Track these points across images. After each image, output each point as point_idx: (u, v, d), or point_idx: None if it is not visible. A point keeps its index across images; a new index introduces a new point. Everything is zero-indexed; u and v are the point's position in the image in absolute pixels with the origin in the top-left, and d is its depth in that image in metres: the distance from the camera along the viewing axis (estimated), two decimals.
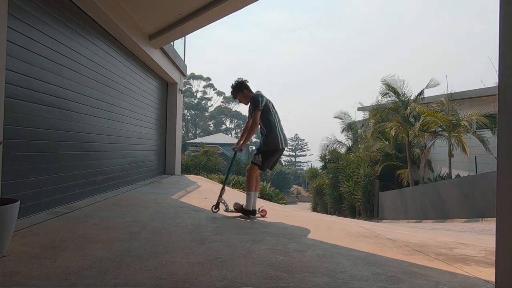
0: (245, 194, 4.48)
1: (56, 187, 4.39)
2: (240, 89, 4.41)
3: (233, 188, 10.56)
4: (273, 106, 4.40)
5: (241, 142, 4.50)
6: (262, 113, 4.22)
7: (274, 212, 5.60)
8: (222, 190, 4.57)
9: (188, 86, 56.75)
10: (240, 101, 4.50)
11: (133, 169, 7.31)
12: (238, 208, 4.49)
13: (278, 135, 4.26)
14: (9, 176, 3.48)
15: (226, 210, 4.54)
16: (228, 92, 60.15)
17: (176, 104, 10.03)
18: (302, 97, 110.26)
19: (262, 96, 4.28)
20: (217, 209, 4.57)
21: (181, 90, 10.45)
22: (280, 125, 4.36)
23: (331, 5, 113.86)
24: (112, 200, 5.35)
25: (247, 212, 4.39)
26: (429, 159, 14.45)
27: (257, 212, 4.51)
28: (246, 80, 4.50)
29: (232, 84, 4.49)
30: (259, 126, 4.30)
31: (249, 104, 4.36)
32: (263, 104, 4.21)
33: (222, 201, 4.53)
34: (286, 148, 4.41)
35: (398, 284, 2.24)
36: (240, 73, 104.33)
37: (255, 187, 4.36)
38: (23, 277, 2.20)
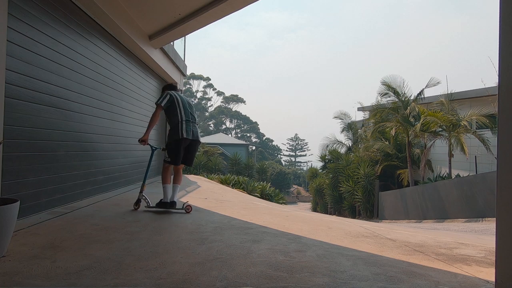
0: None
1: (56, 187, 4.39)
2: (164, 89, 4.77)
3: (233, 188, 10.55)
4: (182, 100, 4.55)
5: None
6: (167, 110, 4.45)
7: (274, 212, 5.60)
8: (142, 187, 4.66)
9: (188, 86, 56.78)
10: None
11: (133, 169, 7.32)
12: (157, 203, 4.62)
13: (179, 126, 4.38)
14: (9, 176, 3.48)
15: (147, 206, 4.61)
16: (228, 92, 60.31)
17: None
18: (302, 97, 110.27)
19: (168, 94, 4.50)
20: (137, 206, 4.63)
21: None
22: (186, 117, 4.46)
23: (331, 5, 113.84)
24: (112, 200, 5.35)
25: (163, 205, 4.56)
26: (429, 159, 14.45)
27: (182, 207, 4.60)
28: (172, 84, 5.00)
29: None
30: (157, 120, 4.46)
31: None
32: (164, 102, 4.41)
33: (143, 197, 4.61)
34: (192, 139, 4.48)
35: (398, 284, 2.24)
36: (240, 73, 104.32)
37: (169, 180, 4.62)
38: (23, 277, 2.20)
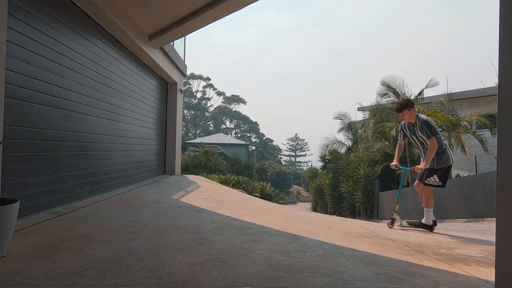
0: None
1: (56, 187, 4.39)
2: (408, 107, 4.59)
3: (233, 188, 10.56)
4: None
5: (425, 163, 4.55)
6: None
7: (274, 212, 5.60)
8: (396, 206, 4.72)
9: (188, 86, 56.76)
10: (403, 117, 4.68)
11: (133, 169, 7.31)
12: (419, 223, 4.62)
13: (448, 151, 4.49)
14: (9, 176, 3.47)
15: (401, 225, 4.63)
16: (228, 92, 60.30)
17: (176, 104, 10.03)
18: (302, 97, 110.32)
19: (431, 121, 4.50)
20: (392, 225, 4.61)
21: (181, 90, 10.46)
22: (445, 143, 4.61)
23: (330, 6, 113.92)
24: (112, 200, 5.35)
25: (428, 227, 4.52)
26: None
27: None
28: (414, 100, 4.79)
29: (402, 101, 4.72)
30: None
31: (417, 124, 4.53)
32: (437, 130, 4.47)
33: (396, 217, 4.65)
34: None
35: (398, 284, 2.24)
36: (240, 73, 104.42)
37: (434, 204, 4.59)
38: (23, 277, 2.20)
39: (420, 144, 4.56)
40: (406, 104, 4.60)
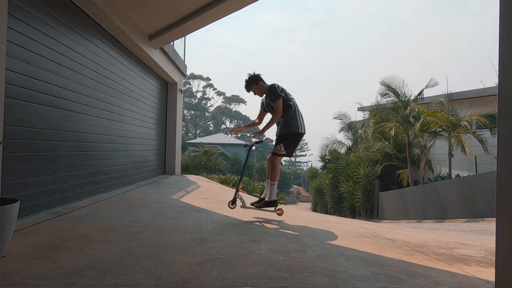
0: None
1: (56, 187, 4.39)
2: (255, 81, 4.39)
3: (233, 188, 10.55)
4: (289, 94, 4.38)
5: (261, 130, 4.47)
6: (284, 99, 4.22)
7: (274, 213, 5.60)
8: (238, 186, 4.60)
9: (188, 86, 56.76)
10: (255, 93, 4.46)
11: (133, 169, 7.31)
12: (261, 203, 4.42)
13: (298, 118, 4.26)
14: (9, 176, 3.48)
15: (243, 206, 4.51)
16: (228, 92, 60.29)
17: (176, 104, 10.03)
18: (302, 97, 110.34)
19: (278, 85, 4.30)
20: (234, 205, 4.51)
21: (181, 90, 10.45)
22: (300, 112, 4.35)
23: (330, 6, 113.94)
24: (112, 200, 5.35)
25: (273, 203, 4.33)
26: (429, 159, 14.44)
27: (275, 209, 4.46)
28: (259, 74, 4.51)
29: (246, 78, 4.47)
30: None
31: (265, 95, 4.37)
32: (280, 91, 4.22)
33: (239, 197, 4.48)
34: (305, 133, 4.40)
35: (398, 284, 2.24)
36: (240, 73, 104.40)
37: (278, 176, 4.40)
38: (23, 277, 2.20)
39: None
40: (251, 80, 4.37)
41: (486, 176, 9.14)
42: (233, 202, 4.48)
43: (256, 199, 4.70)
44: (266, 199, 4.36)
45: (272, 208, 4.43)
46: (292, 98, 4.33)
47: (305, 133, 4.34)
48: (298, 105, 4.35)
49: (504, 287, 1.86)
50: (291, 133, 4.22)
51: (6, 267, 2.35)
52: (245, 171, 4.65)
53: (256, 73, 4.47)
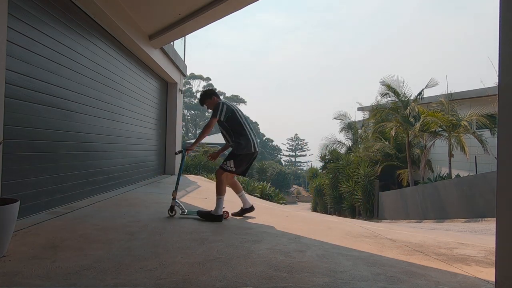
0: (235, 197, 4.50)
1: (56, 187, 4.39)
2: (208, 96, 4.53)
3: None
4: (240, 112, 4.43)
5: (193, 144, 4.61)
6: (232, 119, 4.28)
7: (274, 212, 5.60)
8: (174, 193, 4.36)
9: (188, 86, 56.73)
10: (208, 108, 4.55)
11: (133, 169, 7.31)
12: (204, 213, 4.31)
13: (251, 140, 4.29)
14: (9, 176, 3.48)
15: (182, 213, 4.37)
16: (228, 92, 60.28)
17: (176, 104, 10.03)
18: (302, 97, 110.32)
19: (223, 104, 4.31)
20: (173, 212, 4.36)
21: (181, 90, 10.45)
22: (252, 130, 4.41)
23: (330, 6, 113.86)
24: (112, 200, 5.35)
25: (215, 218, 4.20)
26: (429, 159, 14.44)
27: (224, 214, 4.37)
28: (214, 89, 4.72)
29: (201, 93, 4.67)
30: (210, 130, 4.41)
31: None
32: (222, 114, 4.24)
33: (177, 204, 4.35)
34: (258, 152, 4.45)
35: (398, 284, 2.24)
36: (240, 74, 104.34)
37: (225, 191, 4.31)
38: (23, 277, 2.20)
39: (224, 130, 4.37)
40: (205, 95, 4.52)
41: (486, 176, 9.14)
42: (171, 210, 4.35)
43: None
44: (211, 212, 4.25)
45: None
46: (241, 118, 4.33)
47: (257, 151, 4.37)
48: (248, 124, 4.40)
49: (504, 287, 1.86)
50: (243, 153, 4.28)
51: (6, 267, 2.35)
52: (180, 178, 4.55)
53: (210, 89, 4.71)
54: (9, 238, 2.60)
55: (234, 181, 4.63)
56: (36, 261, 2.48)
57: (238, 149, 4.26)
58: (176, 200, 4.34)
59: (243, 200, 4.61)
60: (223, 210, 4.32)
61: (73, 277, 2.24)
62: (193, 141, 4.88)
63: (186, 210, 4.40)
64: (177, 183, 4.43)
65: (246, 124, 4.37)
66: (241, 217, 4.54)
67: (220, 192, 4.25)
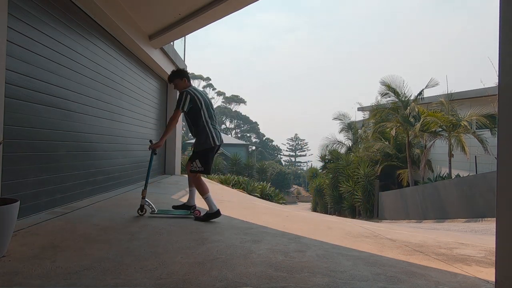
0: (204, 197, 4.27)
1: (56, 187, 4.39)
2: (180, 76, 4.29)
3: (233, 188, 10.56)
4: (203, 100, 4.16)
5: (159, 142, 4.24)
6: (193, 109, 4.04)
7: (274, 212, 5.60)
8: (144, 192, 4.26)
9: None
10: (175, 87, 4.35)
11: (133, 169, 7.31)
12: (203, 216, 4.20)
13: (209, 133, 4.08)
14: (9, 176, 3.47)
15: (153, 212, 4.29)
16: (228, 93, 60.33)
17: None
18: (302, 96, 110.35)
19: (187, 93, 4.05)
20: (143, 212, 4.28)
21: None
22: (211, 120, 4.17)
23: (330, 6, 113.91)
24: (112, 200, 5.35)
25: (213, 215, 4.14)
26: (429, 159, 14.45)
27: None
28: (184, 70, 4.41)
29: (174, 69, 4.43)
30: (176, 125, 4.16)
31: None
32: (186, 105, 3.99)
33: (147, 203, 4.27)
34: (220, 144, 4.23)
35: (398, 284, 2.24)
36: (240, 73, 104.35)
37: (207, 188, 4.19)
38: (23, 277, 2.20)
39: (187, 122, 4.18)
40: (177, 73, 4.29)
41: (486, 176, 9.14)
42: (141, 209, 4.29)
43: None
44: (208, 212, 4.17)
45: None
46: (205, 109, 4.10)
47: (219, 144, 4.18)
48: (209, 114, 4.15)
49: (504, 287, 1.86)
50: (203, 149, 4.11)
51: (6, 267, 2.35)
52: (149, 176, 4.43)
53: (185, 71, 4.41)
54: (9, 238, 2.60)
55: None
56: (36, 261, 2.48)
57: (197, 146, 4.12)
58: (146, 199, 4.26)
59: (190, 198, 4.42)
60: (195, 209, 4.29)
61: (73, 277, 2.24)
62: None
63: (156, 210, 4.31)
64: (146, 182, 4.33)
65: (206, 114, 4.10)
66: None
67: (203, 192, 4.14)
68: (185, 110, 4.01)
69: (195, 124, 4.10)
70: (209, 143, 4.07)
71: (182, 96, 4.03)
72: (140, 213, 4.30)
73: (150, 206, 4.30)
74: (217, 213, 4.14)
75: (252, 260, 2.68)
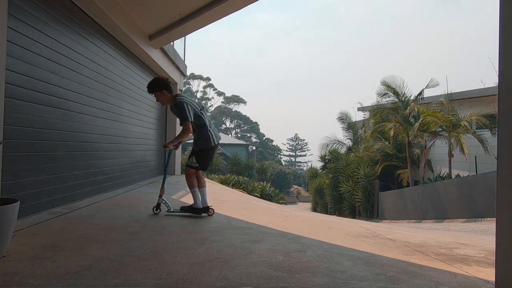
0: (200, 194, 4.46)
1: (56, 187, 4.39)
2: (158, 88, 4.20)
3: (233, 188, 10.56)
4: (197, 104, 4.38)
5: (172, 141, 4.44)
6: (194, 115, 4.21)
7: (274, 212, 5.61)
8: (161, 191, 4.44)
9: (188, 86, 56.78)
10: (157, 100, 4.34)
11: (133, 169, 7.31)
12: (186, 208, 4.43)
13: (209, 133, 4.33)
14: (9, 176, 3.47)
15: (168, 210, 4.43)
16: (228, 93, 60.35)
17: None
18: (302, 97, 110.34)
19: (187, 104, 4.16)
20: (158, 211, 4.41)
21: (181, 90, 10.45)
22: (209, 123, 4.41)
23: (330, 6, 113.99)
24: (112, 200, 5.35)
25: (197, 210, 4.37)
26: (429, 159, 14.45)
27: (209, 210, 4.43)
28: (167, 79, 4.34)
29: (151, 80, 4.36)
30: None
31: (171, 105, 4.36)
32: (191, 114, 4.15)
33: (163, 201, 4.41)
34: (218, 143, 4.50)
35: (398, 284, 2.24)
36: (240, 73, 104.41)
37: (196, 184, 4.41)
38: (23, 277, 2.20)
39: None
40: (155, 85, 4.17)
41: (486, 176, 9.14)
42: (157, 208, 4.40)
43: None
44: (192, 205, 4.41)
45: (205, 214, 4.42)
46: (202, 113, 4.31)
47: (217, 144, 4.44)
48: (207, 117, 4.39)
49: (504, 287, 1.86)
50: (203, 148, 4.36)
51: (6, 267, 2.35)
52: (166, 175, 4.61)
53: (162, 79, 4.27)
54: (9, 238, 2.60)
55: (198, 175, 4.57)
56: (36, 261, 2.48)
57: (198, 145, 4.37)
58: (163, 198, 4.42)
59: (198, 197, 4.48)
60: (210, 207, 4.44)
61: (73, 277, 2.24)
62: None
63: (172, 208, 4.45)
64: (164, 181, 4.52)
65: (206, 117, 4.36)
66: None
67: (190, 186, 4.39)
68: (193, 120, 4.19)
69: (199, 129, 4.32)
70: (210, 143, 4.35)
71: (184, 107, 4.13)
72: (155, 211, 4.40)
73: (167, 205, 4.43)
74: (200, 211, 4.35)
75: (252, 260, 2.68)
